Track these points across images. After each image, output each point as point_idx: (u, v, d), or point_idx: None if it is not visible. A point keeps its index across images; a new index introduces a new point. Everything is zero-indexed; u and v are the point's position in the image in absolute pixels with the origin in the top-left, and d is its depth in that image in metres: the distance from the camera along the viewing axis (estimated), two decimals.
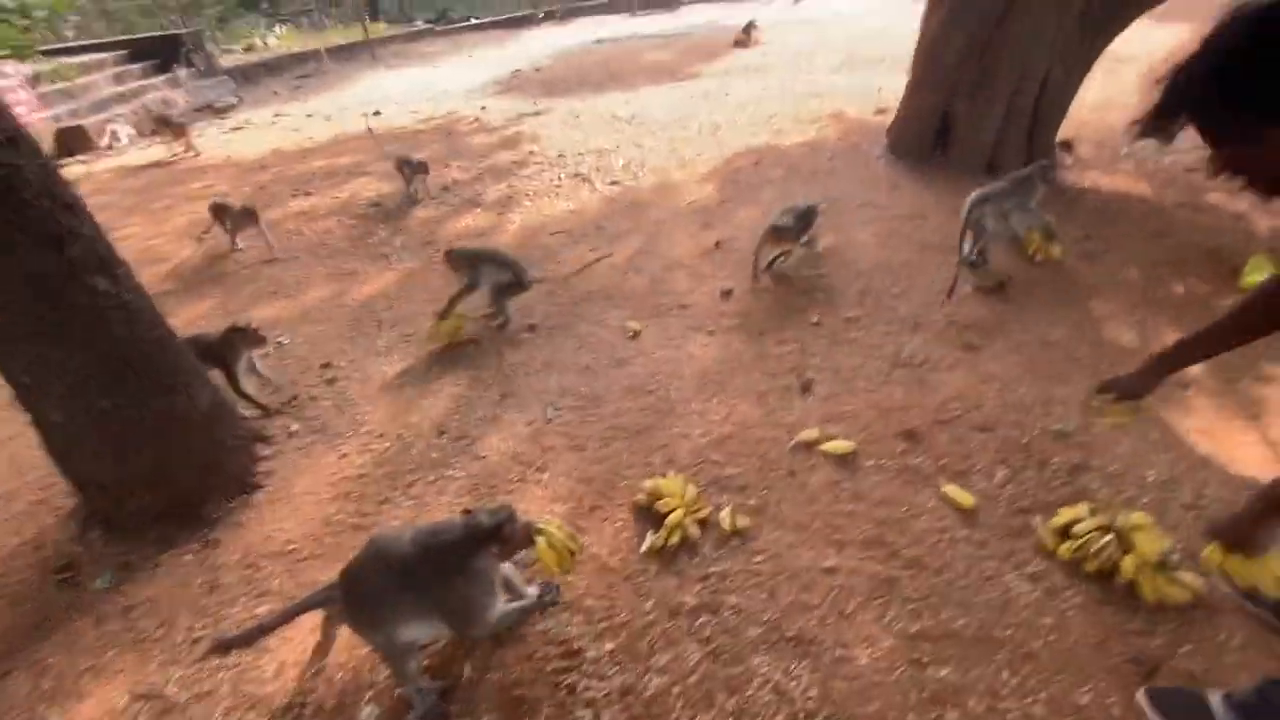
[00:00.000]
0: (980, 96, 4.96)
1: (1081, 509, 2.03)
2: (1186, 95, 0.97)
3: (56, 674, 1.95)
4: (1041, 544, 2.02)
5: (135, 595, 2.18)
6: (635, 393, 2.96)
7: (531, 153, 6.43)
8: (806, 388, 2.88)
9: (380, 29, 18.61)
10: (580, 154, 6.28)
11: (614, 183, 5.53)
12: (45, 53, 10.42)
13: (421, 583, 1.58)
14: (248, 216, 4.55)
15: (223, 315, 3.76)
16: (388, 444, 2.76)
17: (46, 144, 8.31)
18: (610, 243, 4.45)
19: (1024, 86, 4.78)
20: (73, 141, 8.57)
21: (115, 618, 2.11)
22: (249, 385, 2.91)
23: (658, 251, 4.28)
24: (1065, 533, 1.99)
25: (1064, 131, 5.04)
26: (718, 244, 4.27)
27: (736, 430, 2.66)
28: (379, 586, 1.59)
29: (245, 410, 2.87)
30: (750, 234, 4.32)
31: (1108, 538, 1.88)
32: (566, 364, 3.22)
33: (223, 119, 10.08)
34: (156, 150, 8.15)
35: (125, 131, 8.89)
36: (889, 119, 5.88)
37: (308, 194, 5.78)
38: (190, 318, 3.86)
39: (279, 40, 17.28)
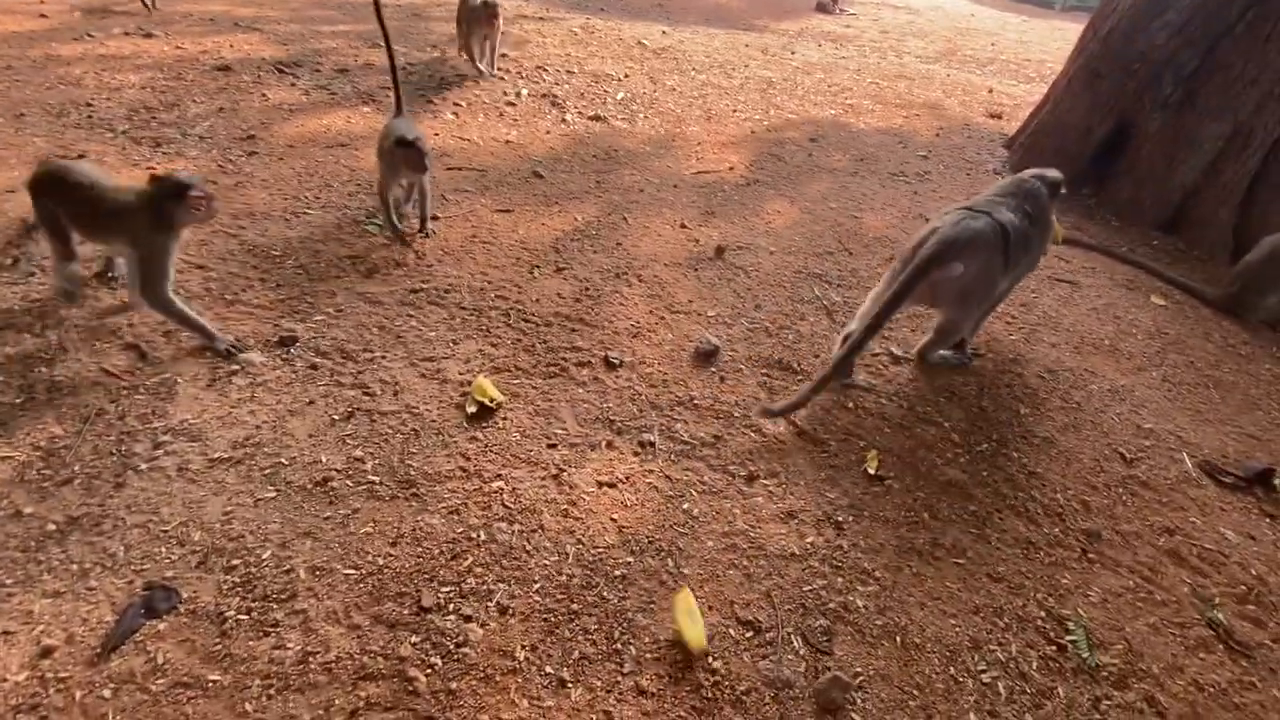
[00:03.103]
0: (1184, 119, 3.07)
1: None
2: None
3: None
4: None
5: None
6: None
7: (504, 55, 4.49)
8: None
9: None
10: (568, 73, 4.34)
11: (596, 117, 3.63)
12: None
13: None
14: None
15: None
16: None
17: None
18: (540, 206, 2.58)
19: (1260, 120, 2.90)
20: None
21: None
22: None
23: (610, 239, 2.42)
24: None
25: None
26: (720, 251, 2.40)
27: None
28: None
29: None
30: (784, 248, 2.46)
31: None
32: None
33: None
34: None
35: None
36: (1009, 127, 4.01)
37: (150, 36, 3.86)
38: None
39: None
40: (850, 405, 1.76)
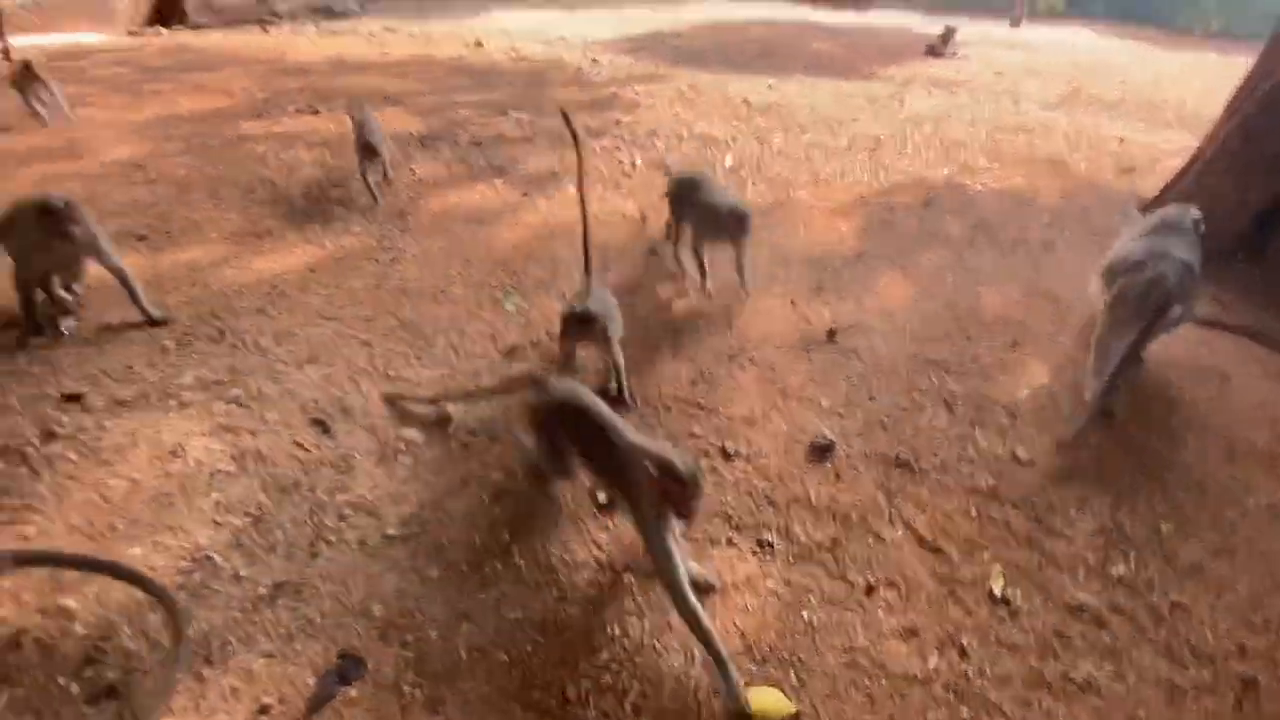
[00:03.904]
0: None
1: None
2: None
3: None
4: None
5: None
6: None
7: (618, 122, 4.77)
8: None
9: None
10: (678, 138, 4.55)
11: None
12: None
13: None
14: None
15: None
16: None
17: (142, 8, 7.66)
18: (656, 284, 2.73)
19: None
20: (166, 9, 7.88)
21: None
22: None
23: (723, 319, 2.52)
24: None
25: None
26: (831, 334, 2.44)
27: None
28: None
29: None
30: (898, 329, 2.46)
31: None
32: None
33: (330, 22, 9.15)
34: (236, 38, 7.25)
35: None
36: (1143, 184, 3.79)
37: (316, 113, 4.43)
38: None
39: None
40: (973, 512, 1.75)
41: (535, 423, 1.59)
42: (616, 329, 1.98)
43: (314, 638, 1.33)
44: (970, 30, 13.82)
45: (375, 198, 3.00)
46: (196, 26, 7.93)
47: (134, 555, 1.45)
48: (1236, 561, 1.66)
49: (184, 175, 3.33)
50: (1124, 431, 2.08)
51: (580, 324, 1.90)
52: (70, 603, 1.35)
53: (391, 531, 1.56)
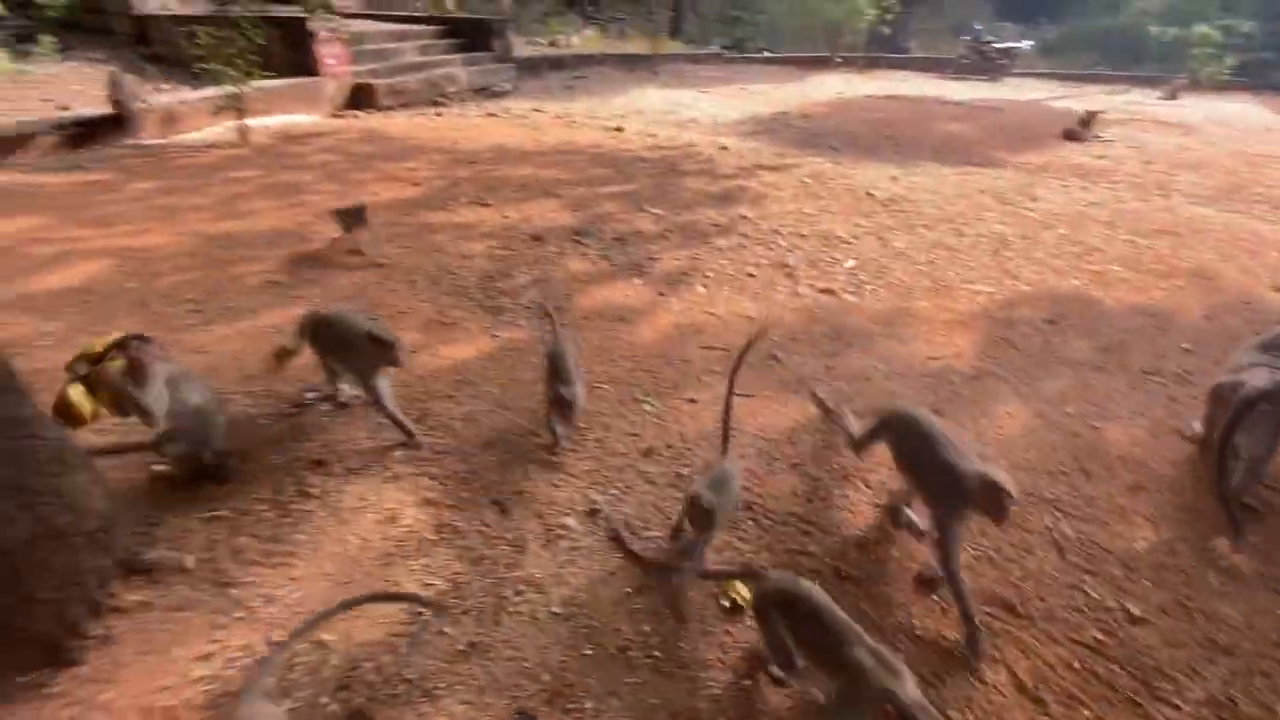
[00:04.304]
0: None
1: None
2: None
3: None
4: None
5: None
6: None
7: (743, 218, 5.16)
8: None
9: (674, 46, 18.78)
10: (800, 235, 4.85)
11: (826, 290, 4.03)
12: (373, 15, 11.79)
13: None
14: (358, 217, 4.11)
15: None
16: (256, 660, 1.71)
17: (343, 94, 9.19)
18: (776, 392, 3.00)
19: None
20: (361, 96, 9.35)
21: None
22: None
23: (844, 451, 2.74)
24: None
25: None
26: None
27: None
28: None
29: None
30: (1013, 461, 2.57)
31: None
32: None
33: (488, 102, 10.43)
34: (416, 120, 8.51)
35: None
36: None
37: (486, 204, 5.18)
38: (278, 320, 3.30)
39: (581, 41, 18.26)
40: (1077, 665, 1.84)
41: (758, 615, 1.68)
42: (730, 501, 2.03)
43: (499, 694, 1.69)
44: (1119, 103, 13.23)
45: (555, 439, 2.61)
46: (384, 109, 9.34)
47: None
48: None
49: (386, 262, 4.06)
50: (1250, 592, 2.07)
51: (702, 516, 1.93)
52: (328, 637, 1.81)
53: (555, 609, 1.92)
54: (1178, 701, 1.75)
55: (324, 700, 1.66)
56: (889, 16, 19.14)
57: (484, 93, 11.17)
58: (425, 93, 10.21)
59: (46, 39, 8.53)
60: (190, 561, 1.98)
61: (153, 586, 1.90)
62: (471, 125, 8.43)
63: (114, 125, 6.63)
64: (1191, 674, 1.82)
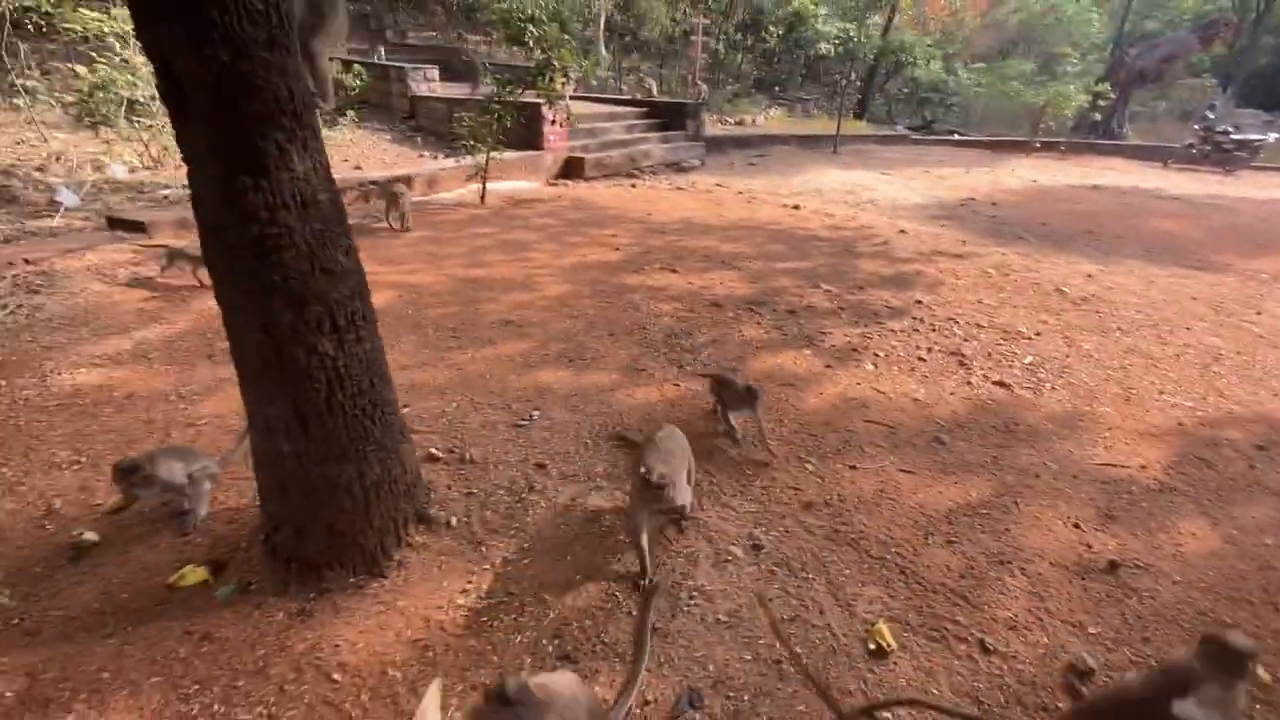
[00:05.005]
0: None
1: None
2: None
3: (110, 672, 2.00)
4: None
5: (218, 629, 2.16)
6: None
7: (918, 303, 5.32)
8: None
9: (859, 126, 19.15)
10: (977, 326, 4.91)
11: (1000, 383, 4.08)
12: (590, 98, 13.59)
13: None
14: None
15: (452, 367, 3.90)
16: (507, 613, 2.29)
17: (557, 165, 10.77)
18: (938, 473, 3.17)
19: None
20: (572, 166, 10.87)
21: (189, 643, 2.11)
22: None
23: (1000, 523, 2.85)
24: None
25: None
26: (1113, 566, 2.61)
27: None
28: None
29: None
30: (1191, 581, 2.55)
31: None
32: None
33: (677, 176, 11.52)
34: (614, 189, 9.72)
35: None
36: None
37: (674, 271, 5.88)
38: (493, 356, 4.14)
39: (768, 120, 19.31)
40: None
41: None
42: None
43: (674, 669, 2.10)
44: None
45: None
46: (589, 179, 10.73)
47: (575, 579, 2.43)
48: None
49: (592, 314, 4.83)
50: None
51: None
52: (549, 597, 2.35)
53: (721, 617, 2.30)
54: None
55: (544, 643, 2.19)
56: (1101, 102, 17.98)
57: (674, 167, 12.34)
58: (624, 166, 11.57)
59: (351, 112, 11.05)
60: (455, 521, 2.66)
61: (431, 534, 2.60)
62: (661, 197, 9.42)
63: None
64: None
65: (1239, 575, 2.60)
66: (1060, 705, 2.04)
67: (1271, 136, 16.44)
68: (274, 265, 1.88)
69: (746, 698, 2.03)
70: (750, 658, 2.16)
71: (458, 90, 12.79)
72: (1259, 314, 5.59)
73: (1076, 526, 2.84)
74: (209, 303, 4.52)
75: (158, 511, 2.63)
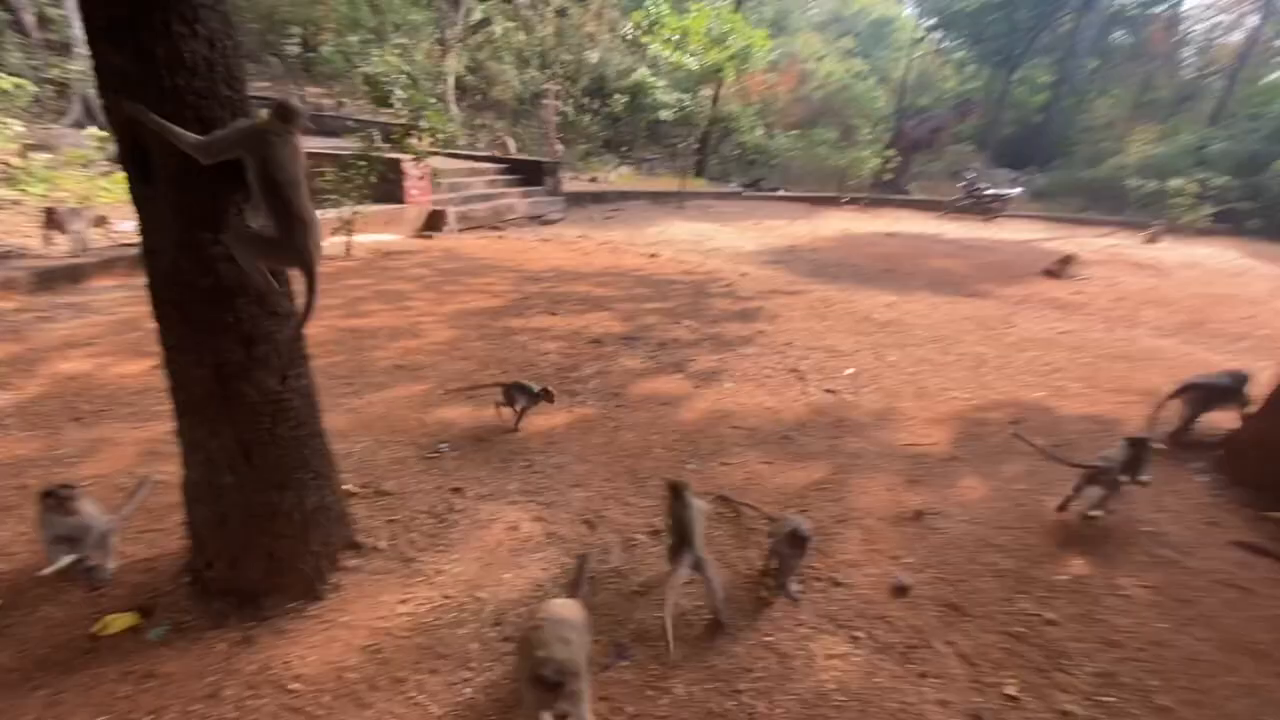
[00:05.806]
0: None
1: None
2: None
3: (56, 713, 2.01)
4: None
5: (158, 666, 2.21)
6: None
7: (761, 332, 6.27)
8: None
9: (700, 184, 21.21)
10: (809, 348, 5.92)
11: (830, 390, 5.01)
12: (451, 155, 13.92)
13: None
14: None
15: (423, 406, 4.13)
16: (447, 613, 2.56)
17: (422, 218, 10.89)
18: (789, 463, 3.91)
19: None
20: (434, 220, 11.05)
21: (129, 681, 2.15)
22: None
23: (838, 493, 3.61)
24: None
25: None
26: (919, 514, 3.44)
27: None
28: None
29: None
30: (971, 519, 3.42)
31: None
32: None
33: (542, 228, 12.13)
34: (482, 241, 10.06)
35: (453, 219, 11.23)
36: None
37: (554, 314, 6.37)
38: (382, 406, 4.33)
39: (617, 178, 20.73)
40: (1003, 646, 2.60)
41: None
42: None
43: (603, 634, 2.50)
44: (1101, 246, 14.68)
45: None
46: (456, 231, 10.98)
47: (505, 577, 2.75)
48: None
49: (482, 355, 5.16)
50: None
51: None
52: (482, 594, 2.65)
53: (635, 590, 2.75)
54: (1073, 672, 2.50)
55: (485, 631, 2.49)
56: (890, 165, 21.53)
57: (537, 220, 12.96)
58: (489, 219, 11.97)
59: None
60: (384, 545, 2.87)
61: (363, 557, 2.78)
62: (530, 248, 9.94)
63: None
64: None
65: (1003, 511, 3.55)
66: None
67: (1017, 190, 20.73)
68: (228, 309, 2.10)
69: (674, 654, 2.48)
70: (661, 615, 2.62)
71: (323, 143, 12.50)
72: (1012, 327, 7.24)
73: (891, 490, 3.68)
74: (61, 366, 4.24)
75: (63, 574, 2.55)
